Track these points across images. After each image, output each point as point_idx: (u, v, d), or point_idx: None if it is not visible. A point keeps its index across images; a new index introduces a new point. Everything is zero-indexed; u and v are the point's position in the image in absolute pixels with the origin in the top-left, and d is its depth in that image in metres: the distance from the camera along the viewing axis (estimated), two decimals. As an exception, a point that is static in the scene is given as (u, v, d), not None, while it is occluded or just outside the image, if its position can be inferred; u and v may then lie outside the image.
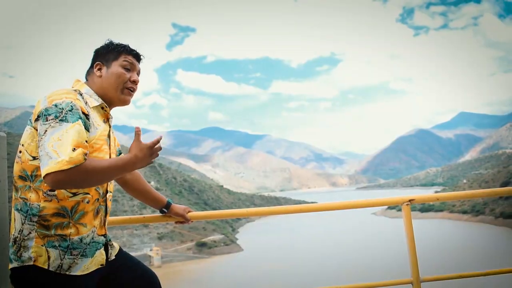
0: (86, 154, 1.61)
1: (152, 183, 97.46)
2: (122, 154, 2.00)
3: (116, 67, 1.94)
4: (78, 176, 1.57)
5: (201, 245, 76.15)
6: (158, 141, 1.77)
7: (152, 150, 1.75)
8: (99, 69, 1.94)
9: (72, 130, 1.61)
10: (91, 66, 1.98)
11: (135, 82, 1.99)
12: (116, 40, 2.01)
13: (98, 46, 2.00)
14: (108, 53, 1.96)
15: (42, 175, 1.56)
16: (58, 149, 1.56)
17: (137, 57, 2.03)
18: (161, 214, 2.37)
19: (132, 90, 1.99)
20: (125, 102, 1.99)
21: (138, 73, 2.03)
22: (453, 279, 2.46)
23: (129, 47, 2.00)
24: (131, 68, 1.98)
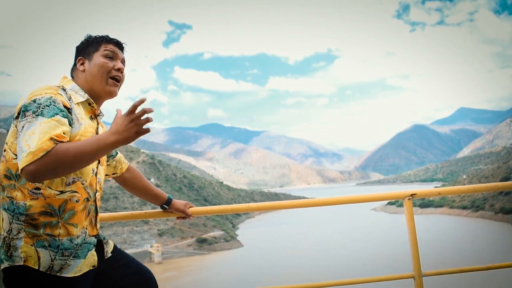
0: (58, 141, 1.53)
1: (152, 180, 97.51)
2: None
3: (97, 58, 1.87)
4: (50, 163, 1.49)
5: (202, 241, 76.32)
6: (136, 107, 1.58)
7: (132, 119, 1.57)
8: (82, 64, 1.89)
9: (47, 125, 1.55)
10: (75, 63, 1.92)
11: (119, 70, 1.91)
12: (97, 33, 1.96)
13: (78, 43, 1.95)
14: (88, 46, 1.90)
15: (20, 172, 1.52)
16: (30, 142, 1.50)
17: (119, 45, 1.96)
18: (162, 210, 2.36)
19: (117, 80, 1.91)
20: (111, 94, 1.90)
21: (123, 62, 1.95)
22: (455, 274, 2.46)
23: (108, 36, 1.94)
24: (113, 56, 1.91)
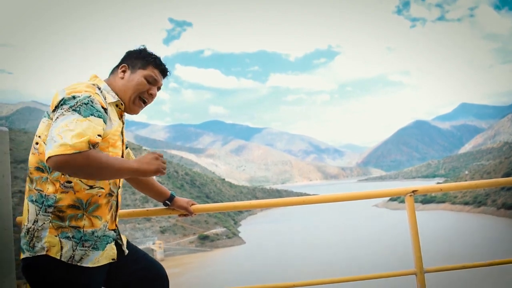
0: (93, 145, 1.61)
1: (154, 177, 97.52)
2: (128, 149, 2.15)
3: (139, 76, 1.98)
4: (79, 162, 1.55)
5: (204, 238, 76.39)
6: (161, 155, 1.83)
7: (156, 157, 1.79)
8: (123, 71, 1.98)
9: (83, 123, 1.61)
10: (118, 65, 2.01)
11: (151, 96, 2.03)
12: (146, 48, 2.04)
13: (132, 49, 2.04)
14: (137, 58, 2.00)
15: (45, 158, 1.56)
16: (63, 134, 1.56)
17: (164, 72, 2.07)
18: (164, 207, 2.38)
19: (144, 102, 2.03)
20: (133, 112, 2.02)
21: (159, 89, 2.08)
22: (456, 270, 2.46)
23: (159, 60, 2.04)
24: (153, 82, 2.01)
